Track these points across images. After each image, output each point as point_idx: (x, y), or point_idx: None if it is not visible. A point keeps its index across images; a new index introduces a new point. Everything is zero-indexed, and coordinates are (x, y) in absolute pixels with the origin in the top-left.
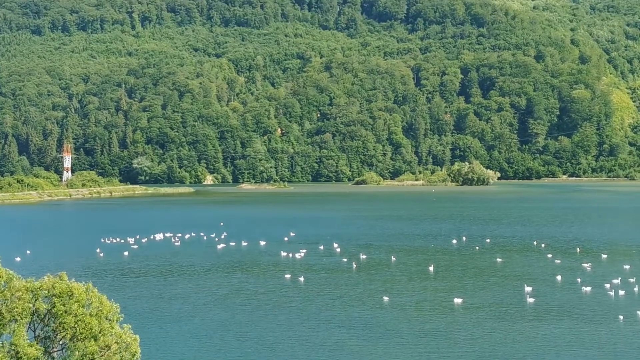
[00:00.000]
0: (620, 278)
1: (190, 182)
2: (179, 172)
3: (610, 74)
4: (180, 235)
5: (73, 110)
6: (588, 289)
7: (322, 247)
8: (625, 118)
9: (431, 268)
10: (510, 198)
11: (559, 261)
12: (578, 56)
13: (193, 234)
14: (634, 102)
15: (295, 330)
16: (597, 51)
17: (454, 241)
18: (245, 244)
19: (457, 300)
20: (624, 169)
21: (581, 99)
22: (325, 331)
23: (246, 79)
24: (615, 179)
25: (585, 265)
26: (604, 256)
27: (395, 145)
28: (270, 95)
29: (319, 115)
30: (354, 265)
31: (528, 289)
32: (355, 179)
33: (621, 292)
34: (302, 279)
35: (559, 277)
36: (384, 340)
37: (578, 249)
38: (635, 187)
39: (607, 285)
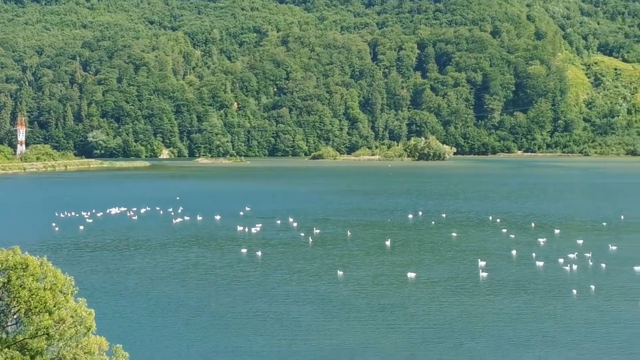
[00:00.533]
0: (574, 253)
1: (146, 156)
2: (134, 146)
3: (566, 50)
4: (135, 209)
5: (27, 83)
6: (542, 263)
7: (279, 222)
8: (580, 94)
9: (388, 243)
10: (466, 173)
11: (513, 236)
12: (534, 32)
13: (149, 209)
14: (588, 78)
15: (252, 304)
16: (552, 27)
17: (410, 216)
18: (201, 218)
19: (413, 275)
20: (579, 144)
21: (536, 74)
22: (282, 306)
23: (202, 53)
24: (569, 154)
25: (539, 240)
26: (559, 231)
27: (352, 120)
28: (226, 69)
29: (275, 89)
30: (311, 240)
31: (482, 263)
32: (312, 154)
33: (575, 267)
34: (259, 253)
35: (514, 252)
36: (341, 315)
37: (533, 224)
38: (590, 162)
39: (561, 260)
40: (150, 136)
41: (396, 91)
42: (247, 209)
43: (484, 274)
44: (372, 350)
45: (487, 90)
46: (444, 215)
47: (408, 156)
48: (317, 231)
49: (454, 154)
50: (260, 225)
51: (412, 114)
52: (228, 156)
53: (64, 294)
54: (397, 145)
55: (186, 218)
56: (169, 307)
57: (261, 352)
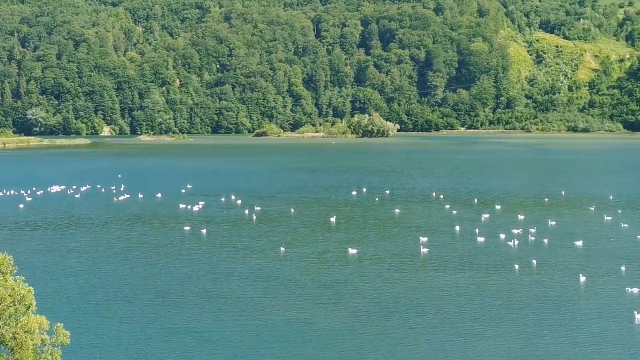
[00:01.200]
0: (516, 228)
1: (86, 134)
2: (75, 124)
3: (508, 27)
4: (76, 187)
5: None
6: (485, 239)
7: (222, 199)
8: (522, 71)
9: (332, 219)
10: (409, 150)
11: (456, 212)
12: (476, 9)
13: (90, 187)
14: (530, 55)
15: (196, 282)
16: (494, 4)
17: (354, 193)
18: (142, 196)
19: (357, 251)
20: (520, 121)
21: (479, 52)
22: (226, 283)
23: (144, 29)
24: (511, 131)
25: (482, 216)
26: (501, 207)
27: (296, 97)
28: (168, 45)
29: (218, 66)
30: (254, 217)
31: (424, 239)
32: (256, 131)
33: (517, 242)
34: (203, 231)
35: (457, 228)
36: (286, 292)
37: (476, 200)
38: (531, 138)
39: (503, 236)
40: (91, 113)
41: (340, 68)
42: (189, 186)
43: (426, 250)
44: (318, 326)
45: (430, 68)
46: (387, 191)
47: (352, 133)
48: (261, 209)
49: (398, 130)
50: (203, 202)
51: (356, 91)
52: (170, 133)
53: (3, 273)
54: (341, 122)
55: (128, 196)
56: (111, 285)
57: (206, 329)
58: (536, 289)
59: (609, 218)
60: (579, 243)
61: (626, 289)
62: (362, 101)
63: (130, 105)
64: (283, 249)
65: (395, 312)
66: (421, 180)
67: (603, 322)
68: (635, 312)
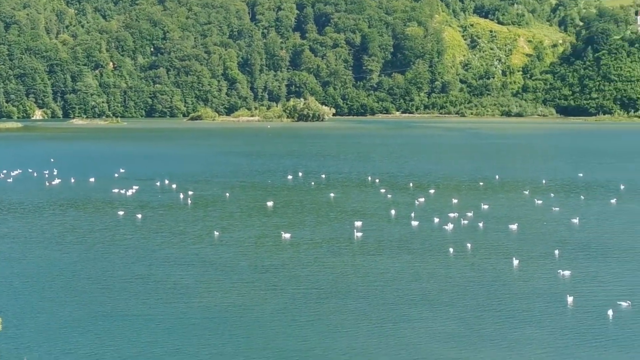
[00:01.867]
0: (450, 212)
1: (18, 117)
2: (6, 107)
3: (443, 11)
4: (7, 171)
5: None
6: (420, 223)
7: (157, 184)
8: (457, 56)
9: (269, 204)
10: (345, 134)
11: (391, 196)
12: None
13: (21, 171)
14: (465, 40)
15: (131, 268)
16: None
17: (290, 177)
18: (75, 180)
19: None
20: (455, 105)
21: (414, 36)
22: (161, 268)
23: (76, 11)
24: (446, 115)
25: (417, 200)
26: (436, 191)
27: (231, 80)
28: (101, 28)
29: (152, 49)
30: (189, 202)
31: (359, 223)
32: (190, 115)
33: (451, 226)
34: (139, 216)
35: (392, 212)
36: (222, 277)
37: (411, 184)
38: (466, 123)
39: (438, 220)
40: (23, 97)
41: (275, 52)
42: (122, 171)
43: (361, 234)
44: (254, 311)
45: (366, 52)
46: (323, 176)
47: (287, 117)
48: (196, 193)
49: (333, 115)
50: (137, 187)
51: (291, 75)
52: (104, 117)
53: None
54: (277, 106)
55: (60, 180)
56: (45, 271)
57: (141, 315)
58: (471, 272)
59: (542, 202)
60: (513, 227)
61: (558, 271)
62: (298, 85)
63: (63, 89)
64: (218, 233)
65: (331, 296)
66: (356, 164)
67: (537, 304)
68: (568, 295)
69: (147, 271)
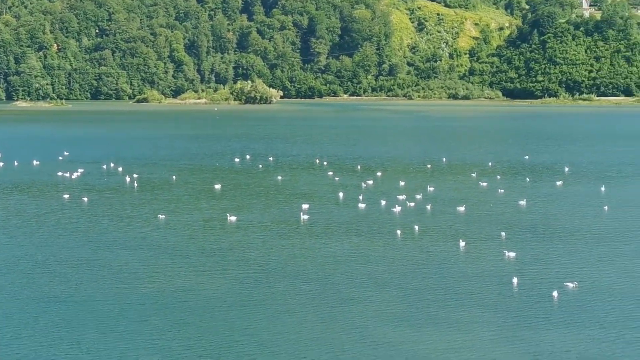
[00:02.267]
0: (398, 195)
1: None
2: None
3: None
4: None
5: None
6: (368, 205)
7: (103, 167)
8: (404, 38)
9: (218, 187)
10: (293, 117)
11: (338, 179)
12: None
13: None
14: (412, 23)
15: (77, 251)
16: None
17: (237, 160)
18: (18, 164)
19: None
20: (403, 88)
21: (362, 19)
22: (108, 252)
23: None
24: (394, 98)
25: (365, 182)
26: (384, 173)
27: (177, 63)
28: (45, 9)
29: (97, 31)
30: (136, 185)
31: (306, 206)
32: (137, 97)
33: (399, 209)
34: (84, 199)
35: (340, 195)
36: (169, 260)
37: (359, 167)
38: (413, 106)
39: (386, 202)
40: None
41: (222, 34)
42: (66, 153)
43: (309, 217)
44: (202, 294)
45: (313, 34)
46: (271, 158)
47: (235, 100)
48: (142, 176)
49: (281, 97)
50: (82, 170)
51: (239, 57)
52: (48, 99)
53: None
54: (224, 89)
55: (2, 164)
56: None
57: (87, 299)
58: (418, 254)
59: (489, 184)
60: (460, 209)
61: (505, 253)
62: (245, 67)
63: (6, 71)
64: (164, 216)
65: (279, 279)
66: (305, 147)
67: (483, 286)
68: (514, 277)
69: (94, 255)
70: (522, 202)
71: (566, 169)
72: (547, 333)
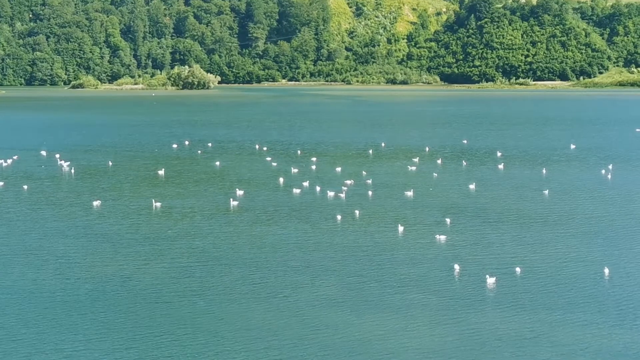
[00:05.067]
0: (337, 180)
1: None
2: None
3: None
4: None
5: None
6: (307, 191)
7: (38, 154)
8: (342, 23)
9: (156, 173)
10: (232, 102)
11: (278, 164)
12: None
13: None
14: (350, 7)
15: (12, 240)
16: None
17: (175, 146)
18: None
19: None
20: (341, 73)
21: (299, 4)
22: (44, 241)
23: None
24: (332, 83)
25: (305, 168)
26: (323, 159)
27: (113, 48)
28: None
29: (31, 15)
30: (73, 172)
31: (242, 192)
32: (72, 83)
33: (338, 194)
34: (21, 187)
35: (280, 180)
36: (105, 247)
37: (299, 152)
38: (352, 90)
39: (325, 188)
40: None
41: (159, 19)
42: None
43: (247, 203)
44: (139, 282)
45: (251, 19)
46: (210, 144)
47: (172, 85)
48: (78, 163)
49: (219, 82)
50: (16, 157)
51: (176, 42)
52: None
53: None
54: (161, 74)
55: None
56: None
57: (24, 289)
58: (358, 239)
59: (429, 169)
60: (400, 194)
61: (444, 237)
62: (182, 53)
63: None
64: (98, 202)
65: (216, 265)
66: (243, 132)
67: (422, 271)
68: (454, 261)
69: (30, 244)
70: (463, 187)
71: (504, 153)
72: (487, 316)
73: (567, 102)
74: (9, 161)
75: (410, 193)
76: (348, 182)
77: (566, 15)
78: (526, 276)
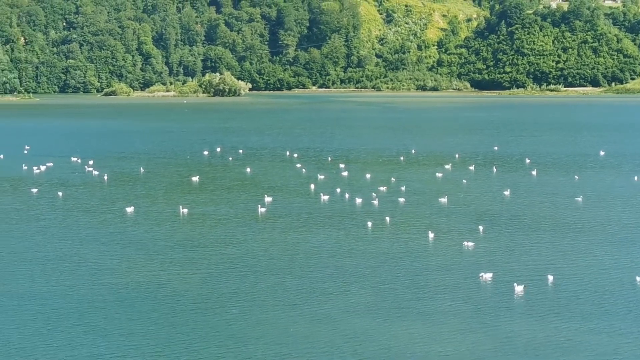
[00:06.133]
0: (369, 187)
1: None
2: None
3: None
4: None
5: None
6: (339, 197)
7: (72, 160)
8: (373, 30)
9: (188, 180)
10: (262, 109)
11: (308, 171)
12: None
13: None
14: (380, 14)
15: (47, 247)
16: None
17: (206, 152)
18: None
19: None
20: (371, 80)
21: (330, 11)
22: (79, 247)
23: None
24: (362, 90)
25: (336, 174)
26: (355, 165)
27: (145, 55)
28: (12, 2)
29: (64, 24)
30: (106, 179)
31: (269, 199)
32: (105, 90)
33: (369, 200)
34: (54, 193)
35: (312, 187)
36: (138, 254)
37: (329, 159)
38: (382, 97)
39: (356, 194)
40: None
41: (190, 26)
42: (27, 147)
43: (279, 210)
44: (173, 289)
45: (282, 26)
46: (241, 151)
47: (203, 92)
48: (111, 170)
49: (250, 90)
50: (50, 164)
51: (207, 50)
52: (15, 93)
53: None
54: (192, 82)
55: None
56: None
57: (59, 295)
58: (389, 246)
59: (460, 175)
60: (431, 201)
61: (475, 245)
62: (214, 60)
63: None
64: (131, 209)
65: (250, 271)
66: (274, 139)
67: (453, 278)
68: (484, 268)
69: (64, 250)
70: (494, 193)
71: (536, 160)
72: (518, 324)
73: (598, 108)
74: (43, 168)
75: (441, 200)
76: (381, 188)
77: (598, 21)
78: (558, 284)
